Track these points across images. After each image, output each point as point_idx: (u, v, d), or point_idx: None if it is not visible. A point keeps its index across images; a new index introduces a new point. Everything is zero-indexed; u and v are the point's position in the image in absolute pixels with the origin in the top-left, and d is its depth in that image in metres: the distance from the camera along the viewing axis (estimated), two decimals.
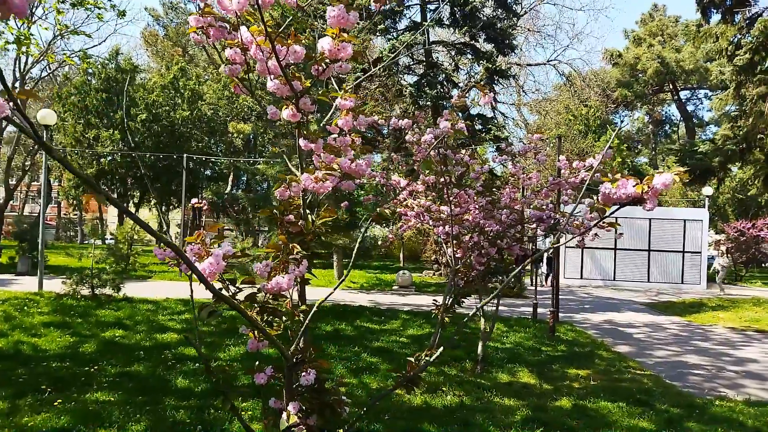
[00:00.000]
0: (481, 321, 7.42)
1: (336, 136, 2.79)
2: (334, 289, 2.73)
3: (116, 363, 6.70)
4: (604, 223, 3.32)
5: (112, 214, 50.34)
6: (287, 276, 2.42)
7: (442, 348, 2.70)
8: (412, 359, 2.82)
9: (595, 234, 6.32)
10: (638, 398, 6.07)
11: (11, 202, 37.72)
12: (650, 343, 9.80)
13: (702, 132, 40.52)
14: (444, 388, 6.17)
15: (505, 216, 6.28)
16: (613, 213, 2.36)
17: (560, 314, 12.07)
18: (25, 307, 10.05)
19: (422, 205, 6.83)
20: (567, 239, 2.67)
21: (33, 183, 51.34)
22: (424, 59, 16.59)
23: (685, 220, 21.54)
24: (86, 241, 35.74)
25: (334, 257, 18.83)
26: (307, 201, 2.80)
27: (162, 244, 2.06)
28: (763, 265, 38.54)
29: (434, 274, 22.51)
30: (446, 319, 6.56)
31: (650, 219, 21.81)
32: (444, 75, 15.72)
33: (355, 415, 3.15)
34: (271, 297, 2.59)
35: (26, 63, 29.36)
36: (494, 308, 7.81)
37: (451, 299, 6.60)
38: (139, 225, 1.93)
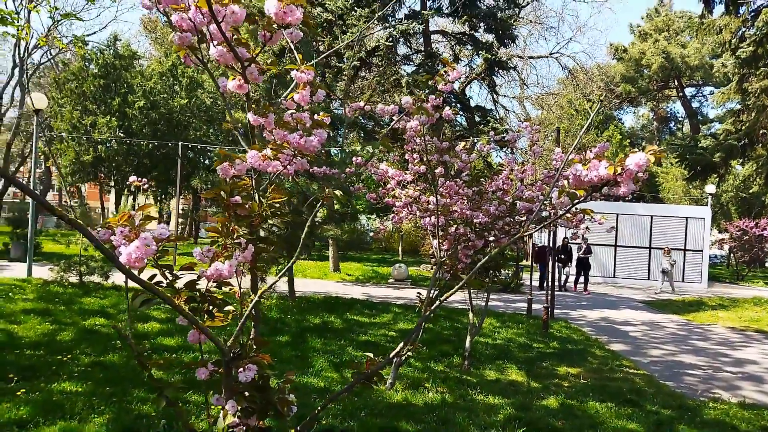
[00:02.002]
0: (470, 315, 7.20)
1: (292, 111, 2.56)
2: (278, 278, 2.50)
3: (91, 352, 6.51)
4: (577, 209, 3.09)
5: (112, 201, 50.24)
6: (228, 262, 2.20)
7: (401, 344, 2.48)
8: (371, 355, 2.60)
9: (587, 227, 6.08)
10: (629, 398, 5.85)
11: (11, 189, 37.65)
12: (646, 342, 9.57)
13: (707, 129, 40.09)
14: (427, 385, 5.96)
15: (493, 208, 6.04)
16: (584, 199, 2.13)
17: (556, 311, 11.85)
18: (10, 294, 9.88)
19: (410, 195, 6.59)
20: (537, 226, 2.44)
21: (37, 170, 51.29)
22: (423, 49, 16.31)
23: (687, 218, 21.24)
24: None
25: (330, 249, 18.65)
26: (265, 181, 2.59)
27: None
28: (765, 264, 38.23)
29: (431, 268, 22.31)
30: (431, 313, 6.35)
31: (652, 216, 21.53)
32: (443, 65, 15.43)
33: (318, 415, 2.94)
34: (214, 285, 2.37)
35: (25, 48, 29.19)
36: (484, 303, 7.58)
37: (435, 292, 6.38)
38: (51, 212, 1.73)
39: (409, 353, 5.71)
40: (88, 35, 33.55)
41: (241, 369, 2.13)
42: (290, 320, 9.30)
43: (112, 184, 27.33)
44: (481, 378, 6.43)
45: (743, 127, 11.73)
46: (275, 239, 9.74)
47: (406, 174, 6.49)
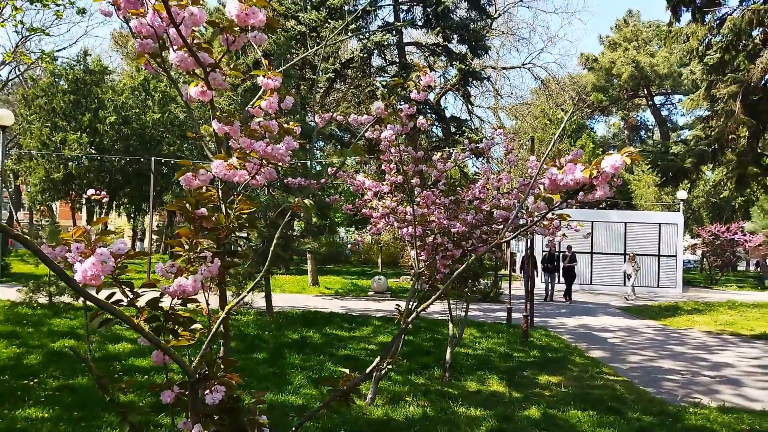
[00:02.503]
0: (450, 326, 7.13)
1: (260, 120, 2.47)
2: (246, 293, 2.39)
3: (59, 375, 6.25)
4: (554, 214, 3.04)
5: (85, 220, 49.15)
6: (192, 277, 2.09)
7: (377, 359, 2.38)
8: (347, 371, 2.50)
9: (563, 234, 6.08)
10: (610, 406, 5.81)
11: None
12: (625, 348, 9.60)
13: (677, 137, 40.99)
14: (408, 398, 5.85)
15: (471, 217, 6.00)
16: (560, 205, 2.07)
17: (535, 319, 11.85)
18: None
19: (387, 206, 6.52)
20: (514, 233, 2.38)
21: (6, 189, 50.00)
22: (398, 60, 16.37)
23: (660, 224, 21.58)
24: None
25: (308, 263, 18.44)
26: (237, 192, 2.48)
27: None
28: (738, 268, 39.01)
29: (411, 279, 22.22)
30: (407, 325, 6.26)
31: (626, 223, 21.83)
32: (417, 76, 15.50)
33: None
34: (179, 303, 2.26)
35: None
36: (463, 313, 7.52)
37: (414, 304, 6.30)
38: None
39: (389, 367, 5.61)
40: (57, 51, 33.02)
41: (207, 391, 2.01)
42: (268, 336, 9.11)
43: (84, 201, 26.74)
44: (463, 389, 6.34)
45: (713, 133, 11.97)
46: (251, 253, 9.59)
47: (382, 185, 6.44)
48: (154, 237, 32.03)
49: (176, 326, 2.19)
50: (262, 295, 11.35)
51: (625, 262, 19.73)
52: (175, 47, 2.13)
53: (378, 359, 2.47)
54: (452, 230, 5.90)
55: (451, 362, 6.88)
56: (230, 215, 2.30)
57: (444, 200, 5.67)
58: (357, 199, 6.95)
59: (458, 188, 5.81)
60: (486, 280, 17.37)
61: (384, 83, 15.40)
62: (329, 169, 7.22)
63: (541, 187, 2.14)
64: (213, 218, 2.32)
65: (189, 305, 2.29)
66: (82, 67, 25.90)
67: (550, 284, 17.01)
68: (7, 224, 28.93)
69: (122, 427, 2.15)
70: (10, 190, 35.72)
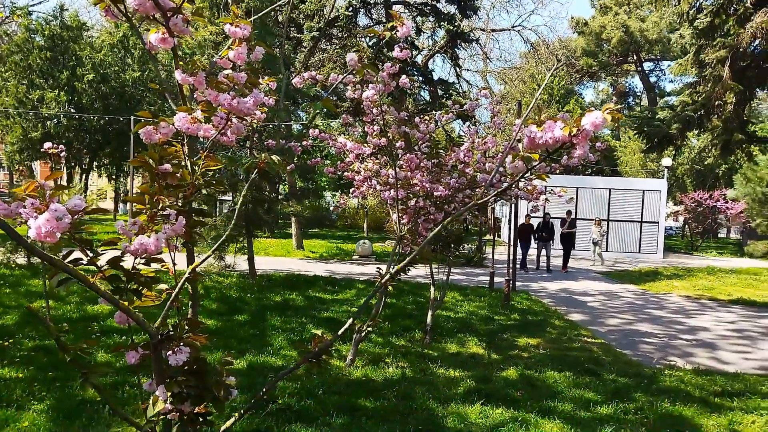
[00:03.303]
0: (431, 290, 7.14)
1: (228, 71, 2.34)
2: (211, 252, 2.31)
3: (35, 336, 6.18)
4: (533, 174, 2.98)
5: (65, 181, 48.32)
6: (154, 236, 1.99)
7: (349, 321, 2.33)
8: (320, 333, 2.45)
9: (546, 199, 6.04)
10: (587, 367, 5.90)
11: None
12: (604, 311, 9.74)
13: (664, 103, 40.93)
14: (387, 360, 5.87)
15: (454, 180, 5.93)
16: (540, 163, 2.00)
17: (518, 283, 11.96)
18: None
19: (369, 169, 6.42)
20: (493, 192, 2.31)
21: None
22: (384, 20, 15.95)
23: (644, 191, 21.72)
24: None
25: (293, 227, 18.36)
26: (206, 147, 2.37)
27: None
28: (718, 235, 39.65)
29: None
30: (390, 288, 6.23)
31: (610, 189, 21.94)
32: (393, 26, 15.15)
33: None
34: (143, 262, 2.17)
35: None
36: (445, 277, 7.53)
37: (394, 267, 6.27)
38: None
39: (369, 329, 5.61)
40: (32, 5, 31.77)
41: (170, 352, 1.94)
42: (250, 299, 9.08)
43: (63, 162, 26.21)
44: (443, 352, 6.39)
45: (700, 99, 11.91)
46: (232, 215, 9.43)
47: (364, 146, 6.32)
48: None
49: (139, 287, 2.11)
50: (245, 257, 11.28)
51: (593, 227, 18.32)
52: None
53: (350, 320, 2.42)
54: (435, 194, 5.84)
55: (431, 325, 6.91)
56: (196, 172, 2.19)
57: (426, 163, 5.58)
58: (339, 162, 6.84)
59: (441, 151, 5.71)
60: (470, 245, 17.46)
61: (369, 45, 15.03)
62: (311, 131, 7.05)
63: (521, 146, 2.06)
64: (177, 174, 2.22)
65: (153, 265, 2.21)
66: (58, 23, 24.99)
67: (545, 253, 15.87)
68: None
69: (84, 387, 2.09)
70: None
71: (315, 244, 20.64)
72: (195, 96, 2.24)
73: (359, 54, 2.65)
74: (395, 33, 2.61)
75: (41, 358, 5.39)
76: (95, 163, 27.25)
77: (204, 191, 2.21)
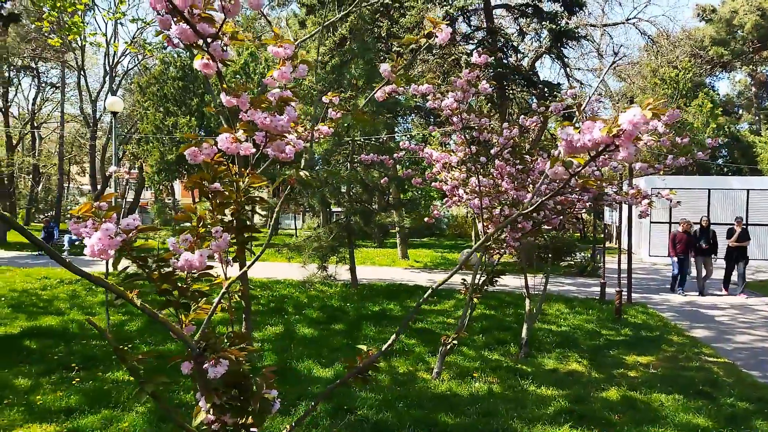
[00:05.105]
0: (526, 302, 6.84)
1: (277, 90, 2.42)
2: (250, 265, 2.37)
3: (153, 342, 6.78)
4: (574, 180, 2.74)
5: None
6: (198, 252, 2.10)
7: (392, 337, 2.28)
8: (364, 349, 2.43)
9: (650, 202, 5.55)
10: (701, 390, 5.30)
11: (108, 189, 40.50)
12: (733, 327, 8.72)
13: None
14: (476, 374, 5.70)
15: (545, 186, 5.64)
16: (585, 165, 1.83)
17: (636, 295, 11.08)
18: (93, 287, 10.53)
19: (456, 178, 6.32)
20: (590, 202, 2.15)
21: (132, 171, 55.02)
22: (485, 25, 15.67)
23: None
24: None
25: (397, 237, 18.55)
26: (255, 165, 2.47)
27: None
28: None
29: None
30: (475, 300, 6.06)
31: (748, 190, 19.69)
32: (504, 40, 14.76)
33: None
34: (195, 276, 2.29)
35: (113, 56, 31.21)
36: (542, 288, 7.19)
37: (482, 279, 6.10)
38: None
39: (454, 342, 5.48)
40: (149, 33, 35.22)
41: (209, 364, 2.02)
42: (349, 308, 9.29)
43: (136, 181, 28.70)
44: (538, 367, 6.07)
45: None
46: (334, 227, 9.73)
47: (451, 156, 6.24)
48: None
49: (189, 300, 2.22)
50: (347, 268, 11.57)
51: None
52: (175, 18, 2.12)
53: (394, 336, 2.37)
54: (523, 201, 5.59)
55: (527, 338, 6.61)
56: (240, 190, 2.28)
57: (509, 169, 5.37)
58: (428, 172, 6.81)
59: (525, 156, 5.46)
60: (584, 254, 16.49)
61: (469, 52, 14.83)
62: (403, 144, 7.10)
63: (561, 149, 1.91)
64: (226, 193, 2.32)
65: (204, 279, 2.33)
66: (188, 54, 27.49)
67: (703, 269, 12.12)
68: (134, 201, 32.00)
69: (140, 396, 2.24)
70: (134, 171, 39.11)
71: (420, 254, 20.68)
72: (240, 116, 2.34)
73: (392, 64, 2.60)
74: (433, 39, 2.53)
75: (153, 362, 5.88)
76: None
77: (247, 207, 2.28)
